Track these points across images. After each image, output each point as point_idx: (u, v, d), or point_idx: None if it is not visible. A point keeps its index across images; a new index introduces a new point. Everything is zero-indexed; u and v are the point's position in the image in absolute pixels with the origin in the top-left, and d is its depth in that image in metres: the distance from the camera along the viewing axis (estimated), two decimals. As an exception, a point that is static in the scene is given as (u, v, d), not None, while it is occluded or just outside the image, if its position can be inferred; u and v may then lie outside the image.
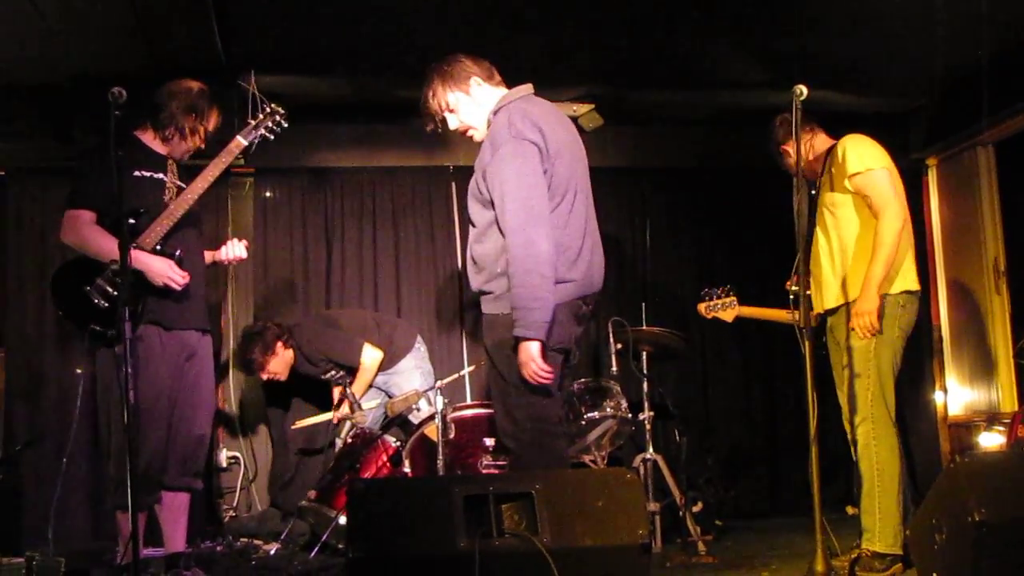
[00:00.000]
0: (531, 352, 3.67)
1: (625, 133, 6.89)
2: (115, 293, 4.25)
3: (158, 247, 4.37)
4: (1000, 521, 3.18)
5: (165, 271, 4.34)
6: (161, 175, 4.55)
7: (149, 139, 4.61)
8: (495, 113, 3.95)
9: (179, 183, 4.60)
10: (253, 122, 4.69)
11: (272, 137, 4.74)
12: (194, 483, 4.59)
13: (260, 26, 5.47)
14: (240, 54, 5.65)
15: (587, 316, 4.03)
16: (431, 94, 4.04)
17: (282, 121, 4.73)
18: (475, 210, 3.94)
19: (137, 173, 4.47)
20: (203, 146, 4.70)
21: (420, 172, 6.92)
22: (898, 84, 6.58)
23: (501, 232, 3.79)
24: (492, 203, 3.82)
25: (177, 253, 4.39)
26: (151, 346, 4.37)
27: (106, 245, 4.29)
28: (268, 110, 4.73)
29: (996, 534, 3.17)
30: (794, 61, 5.93)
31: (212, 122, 4.66)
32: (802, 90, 3.90)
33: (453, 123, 4.07)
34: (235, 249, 4.87)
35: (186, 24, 5.25)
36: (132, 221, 4.32)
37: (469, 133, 4.09)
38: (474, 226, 3.97)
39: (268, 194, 6.85)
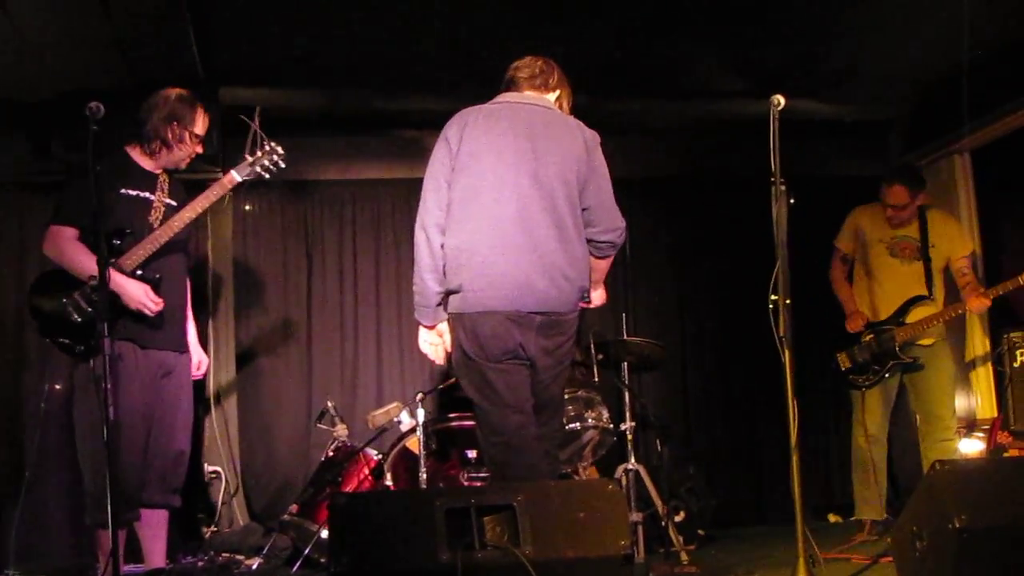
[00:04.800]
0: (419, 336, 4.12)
1: (604, 142, 6.87)
2: (89, 309, 4.27)
3: (138, 271, 4.38)
4: (980, 527, 3.20)
5: (140, 296, 4.34)
6: (147, 194, 4.55)
7: (137, 156, 4.60)
8: None
9: (168, 201, 4.59)
10: (250, 158, 4.66)
11: (267, 176, 4.71)
12: (172, 500, 4.57)
13: (238, 39, 5.47)
14: (218, 67, 5.65)
15: (551, 327, 3.96)
16: None
17: (280, 161, 4.69)
18: None
19: (123, 191, 4.48)
20: (201, 150, 4.68)
21: (400, 184, 6.90)
22: (876, 93, 6.62)
23: None
24: None
25: (156, 277, 4.39)
26: (126, 363, 4.36)
27: (85, 262, 4.29)
28: (267, 148, 4.69)
29: (977, 541, 3.19)
30: (774, 70, 5.96)
31: (199, 124, 4.63)
32: (779, 100, 3.95)
33: None
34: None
35: (164, 38, 5.24)
36: (117, 241, 4.36)
37: None
38: None
39: (248, 207, 6.83)
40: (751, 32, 5.61)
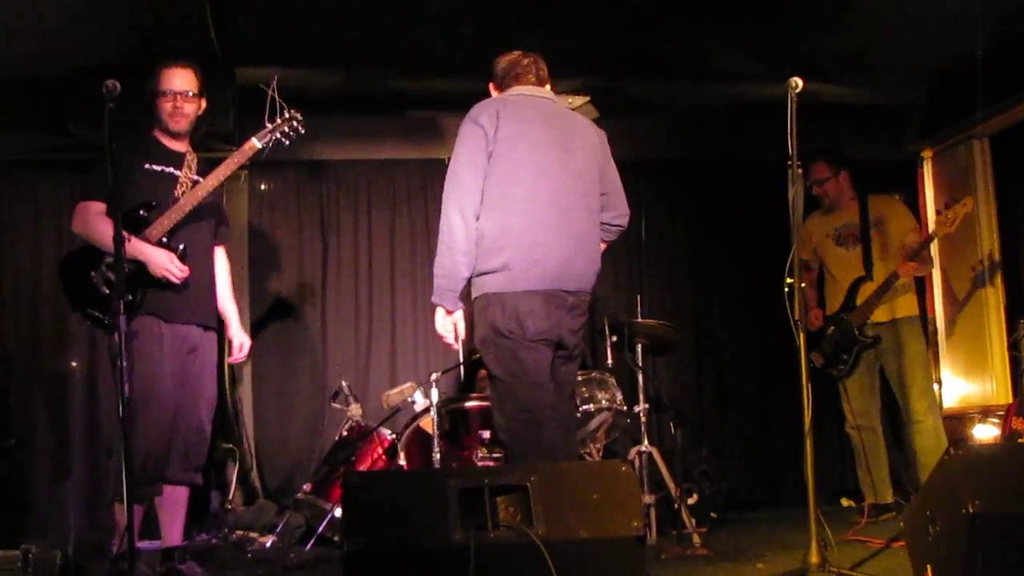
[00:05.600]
0: (436, 317, 4.07)
1: (620, 125, 6.82)
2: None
3: (163, 240, 4.39)
4: (994, 513, 3.19)
5: (164, 263, 4.34)
6: (172, 169, 4.54)
7: (163, 137, 4.60)
8: None
9: (195, 178, 4.59)
10: (270, 126, 4.64)
11: (287, 143, 4.71)
12: (195, 477, 4.56)
13: (255, 18, 5.46)
14: (235, 46, 5.65)
15: (578, 307, 4.11)
16: None
17: (299, 127, 4.68)
18: None
19: (147, 166, 4.48)
20: (187, 105, 4.55)
21: (415, 165, 6.92)
22: (893, 77, 6.58)
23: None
24: None
25: (180, 247, 4.40)
26: (149, 337, 4.36)
27: (109, 236, 4.29)
28: (287, 115, 4.68)
29: (990, 526, 3.18)
30: (790, 53, 5.93)
31: (165, 81, 4.54)
32: (797, 82, 3.92)
33: None
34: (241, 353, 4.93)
35: (180, 16, 5.24)
36: (143, 213, 4.38)
37: None
38: None
39: (263, 187, 6.85)
40: (768, 15, 5.58)
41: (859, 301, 5.68)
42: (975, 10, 5.24)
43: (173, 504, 4.51)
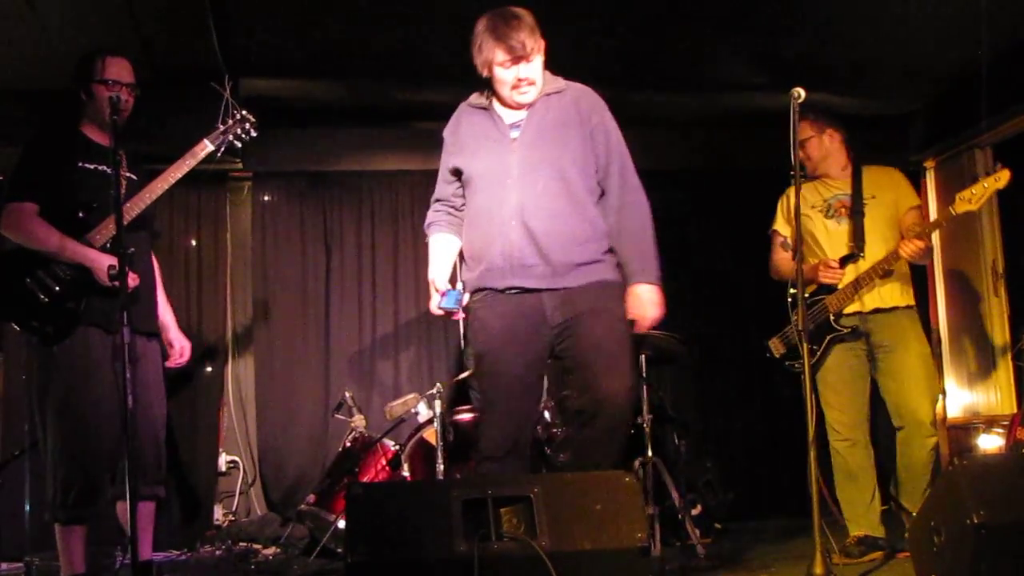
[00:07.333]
0: (653, 296, 3.91)
1: (624, 135, 6.87)
2: (57, 288, 4.11)
3: (108, 245, 4.18)
4: (999, 523, 3.19)
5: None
6: (105, 167, 4.24)
7: (92, 132, 4.41)
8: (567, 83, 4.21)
9: (129, 174, 4.39)
10: (222, 127, 4.50)
11: (239, 144, 4.61)
12: (159, 491, 4.38)
13: (259, 30, 5.47)
14: (238, 58, 5.66)
15: None
16: (532, 32, 4.04)
17: (251, 129, 4.56)
18: (574, 174, 4.06)
19: (81, 165, 4.28)
20: (126, 95, 4.34)
21: (418, 175, 6.91)
22: (896, 87, 6.59)
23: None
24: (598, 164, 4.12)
25: (129, 252, 4.00)
26: (93, 350, 4.17)
27: (49, 238, 4.13)
28: (239, 116, 4.55)
29: (995, 536, 3.17)
30: (793, 64, 5.94)
31: (120, 72, 4.35)
32: (800, 93, 3.92)
33: (536, 67, 4.10)
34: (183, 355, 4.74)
35: (183, 28, 5.26)
36: (83, 215, 4.19)
37: (523, 89, 4.08)
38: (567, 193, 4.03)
39: (267, 198, 6.85)
40: (771, 26, 5.59)
41: (842, 284, 4.86)
42: (979, 19, 5.25)
43: (141, 520, 4.19)
